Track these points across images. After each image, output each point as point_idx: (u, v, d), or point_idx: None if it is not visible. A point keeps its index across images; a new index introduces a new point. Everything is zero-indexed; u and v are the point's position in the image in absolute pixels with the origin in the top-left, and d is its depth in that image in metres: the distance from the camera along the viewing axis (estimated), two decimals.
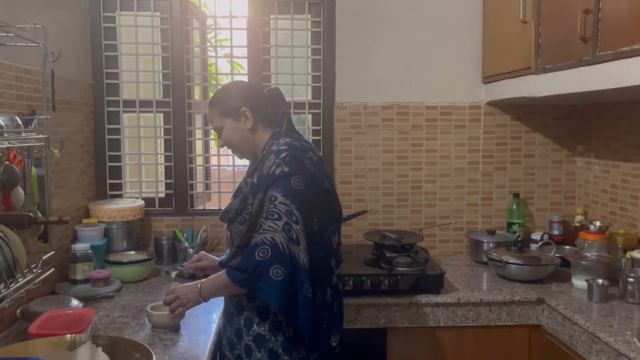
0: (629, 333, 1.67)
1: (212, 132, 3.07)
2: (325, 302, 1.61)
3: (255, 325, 1.59)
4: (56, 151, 1.79)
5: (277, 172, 1.52)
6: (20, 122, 1.61)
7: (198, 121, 2.82)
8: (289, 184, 1.50)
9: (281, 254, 1.45)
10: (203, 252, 1.91)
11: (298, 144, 1.60)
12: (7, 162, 1.53)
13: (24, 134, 1.60)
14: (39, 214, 1.71)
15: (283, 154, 1.54)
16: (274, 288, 1.45)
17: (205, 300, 1.59)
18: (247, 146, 1.70)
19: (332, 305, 1.63)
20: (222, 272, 1.56)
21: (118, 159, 2.66)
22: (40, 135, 1.68)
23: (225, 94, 1.70)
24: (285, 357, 1.56)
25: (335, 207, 1.67)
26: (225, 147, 1.74)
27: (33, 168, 1.70)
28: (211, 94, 3.38)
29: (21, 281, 1.40)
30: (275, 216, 1.48)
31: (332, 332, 1.63)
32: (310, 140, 2.28)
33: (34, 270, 1.48)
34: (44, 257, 1.54)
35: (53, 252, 1.65)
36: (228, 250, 1.72)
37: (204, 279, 1.61)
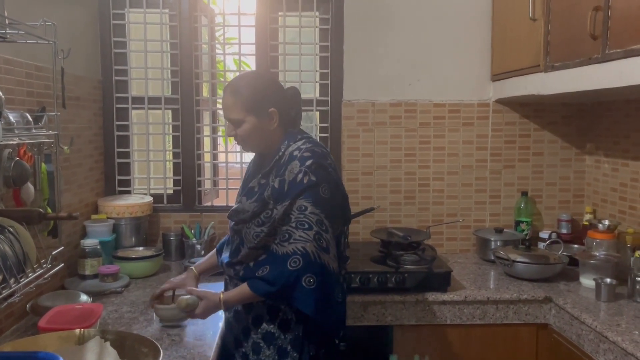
0: (637, 332, 1.66)
1: (221, 129, 3.08)
2: (336, 302, 1.61)
3: (264, 323, 1.59)
4: (66, 147, 1.81)
5: (305, 181, 1.51)
6: (31, 119, 1.62)
7: (206, 118, 2.83)
8: (317, 193, 1.52)
9: (312, 262, 1.48)
10: (171, 282, 1.81)
11: (318, 149, 1.59)
12: (17, 158, 1.54)
13: (34, 131, 1.62)
14: (49, 210, 1.73)
15: (309, 162, 1.53)
16: (308, 297, 1.47)
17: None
18: (262, 144, 1.65)
19: (342, 304, 1.63)
20: (245, 285, 1.54)
21: (127, 155, 2.67)
22: (50, 132, 1.69)
23: (254, 88, 1.60)
24: (295, 355, 1.57)
25: (347, 210, 1.69)
26: (234, 138, 1.66)
27: (43, 164, 1.72)
28: (220, 91, 3.38)
29: (31, 276, 1.41)
30: (306, 226, 1.50)
31: (338, 331, 1.64)
32: (318, 138, 2.22)
33: (44, 266, 1.50)
34: (53, 253, 1.56)
35: (62, 247, 1.67)
36: (229, 249, 1.70)
37: (223, 292, 1.59)
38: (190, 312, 1.59)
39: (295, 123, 1.69)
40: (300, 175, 1.52)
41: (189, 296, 1.60)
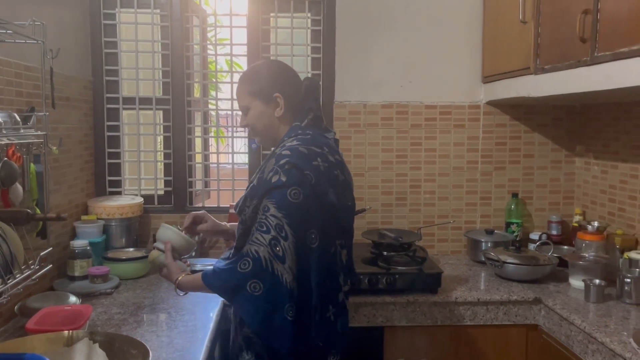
0: (625, 333, 1.68)
1: (212, 129, 3.07)
2: (325, 320, 1.49)
3: (245, 327, 1.51)
4: (54, 148, 1.79)
5: (273, 180, 1.42)
6: (19, 119, 1.61)
7: (197, 119, 2.83)
8: (284, 195, 1.40)
9: (262, 269, 1.38)
10: (204, 212, 1.79)
11: (304, 148, 1.47)
12: (5, 159, 1.53)
13: (22, 131, 1.61)
14: (38, 211, 1.72)
15: (283, 161, 1.43)
16: (249, 303, 1.38)
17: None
18: (270, 134, 1.60)
19: (334, 323, 1.51)
20: (199, 275, 1.49)
21: (117, 156, 2.66)
22: (39, 132, 1.68)
23: (259, 73, 1.58)
24: None
25: (344, 221, 1.54)
26: (246, 128, 1.65)
27: (32, 165, 1.71)
28: (211, 92, 3.39)
29: (19, 277, 1.40)
30: (264, 228, 1.40)
31: (331, 352, 1.51)
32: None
33: (32, 267, 1.48)
34: (41, 254, 1.54)
35: (51, 248, 1.65)
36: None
37: (183, 275, 1.55)
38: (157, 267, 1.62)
39: (302, 118, 1.58)
40: (270, 174, 1.43)
41: (162, 255, 1.61)
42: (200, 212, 1.79)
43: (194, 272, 1.61)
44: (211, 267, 1.49)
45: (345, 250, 1.56)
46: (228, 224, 1.82)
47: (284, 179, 1.41)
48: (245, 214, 1.51)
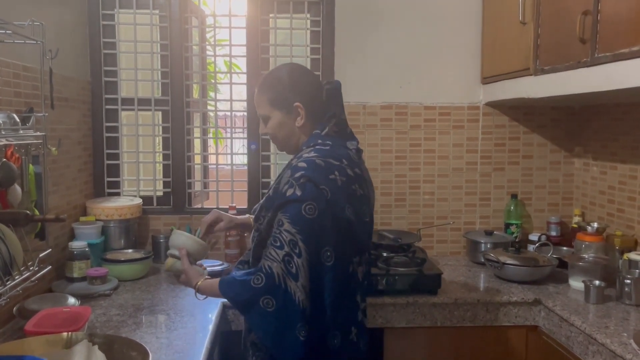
0: (626, 334, 1.67)
1: (210, 131, 3.07)
2: (348, 343, 1.46)
3: (253, 334, 1.51)
4: (53, 149, 1.79)
5: (288, 194, 1.37)
6: (18, 120, 1.60)
7: (196, 119, 2.82)
8: (298, 210, 1.35)
9: (275, 286, 1.34)
10: (214, 211, 1.75)
11: (322, 161, 1.42)
12: (4, 160, 1.52)
13: (21, 132, 1.60)
14: (36, 212, 1.71)
15: (298, 174, 1.38)
16: (262, 318, 1.36)
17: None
18: (290, 142, 1.56)
19: (357, 344, 1.48)
20: (217, 281, 1.48)
21: (116, 157, 2.65)
22: (38, 133, 1.68)
23: (279, 80, 1.52)
24: None
25: (362, 237, 1.49)
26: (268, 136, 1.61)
27: (30, 165, 1.70)
28: (210, 93, 3.37)
29: (17, 279, 1.39)
30: (278, 244, 1.36)
31: None
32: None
33: (31, 268, 1.48)
34: (40, 255, 1.54)
35: (50, 249, 1.65)
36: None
37: (202, 280, 1.53)
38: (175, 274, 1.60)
39: (324, 125, 1.52)
40: (286, 187, 1.39)
41: (178, 262, 1.61)
42: (210, 215, 1.74)
43: (212, 274, 1.63)
44: (230, 274, 1.48)
45: (361, 267, 1.51)
46: (247, 215, 1.80)
47: (299, 193, 1.36)
48: (261, 224, 1.48)
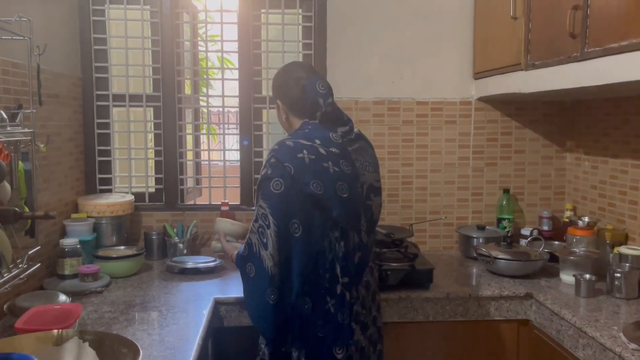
0: (615, 328, 1.69)
1: (203, 126, 3.06)
2: (323, 312, 1.55)
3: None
4: (42, 145, 1.78)
5: (262, 173, 1.57)
6: (5, 116, 1.59)
7: (188, 116, 2.81)
8: (268, 187, 1.53)
9: (253, 254, 1.55)
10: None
11: (292, 142, 1.56)
12: None
13: (9, 128, 1.59)
14: (26, 209, 1.70)
15: (270, 155, 1.57)
16: (246, 283, 1.60)
17: None
18: (289, 130, 1.75)
19: (334, 315, 1.56)
20: None
21: (107, 153, 2.64)
22: (27, 130, 1.66)
23: (273, 79, 1.77)
24: None
25: (339, 211, 1.53)
26: None
27: (20, 162, 1.69)
28: (203, 89, 3.37)
29: (6, 276, 1.39)
30: (255, 217, 1.56)
31: (336, 344, 1.55)
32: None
33: (20, 265, 1.47)
34: (29, 252, 1.53)
35: (39, 247, 1.64)
36: None
37: (235, 252, 1.72)
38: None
39: (311, 114, 1.65)
40: (262, 168, 1.59)
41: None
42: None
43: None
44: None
45: (343, 242, 1.57)
46: None
47: (269, 172, 1.54)
48: None
